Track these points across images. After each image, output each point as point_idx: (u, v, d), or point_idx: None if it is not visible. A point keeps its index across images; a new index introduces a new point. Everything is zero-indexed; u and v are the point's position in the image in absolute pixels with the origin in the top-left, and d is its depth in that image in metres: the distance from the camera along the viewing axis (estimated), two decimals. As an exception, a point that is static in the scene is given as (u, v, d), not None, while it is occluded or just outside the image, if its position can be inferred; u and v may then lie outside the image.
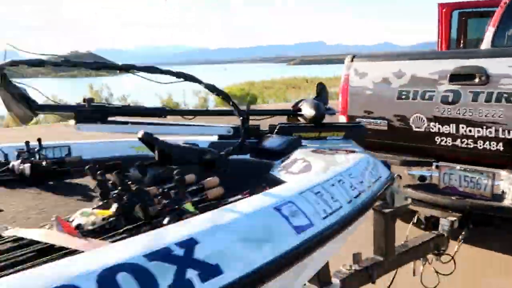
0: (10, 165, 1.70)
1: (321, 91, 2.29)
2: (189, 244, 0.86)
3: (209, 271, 0.83)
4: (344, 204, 1.23)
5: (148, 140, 1.62)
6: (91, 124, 2.04)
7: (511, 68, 2.60)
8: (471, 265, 3.06)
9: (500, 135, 2.65)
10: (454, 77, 2.81)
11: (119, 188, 1.22)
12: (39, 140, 1.87)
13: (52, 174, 1.69)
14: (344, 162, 1.50)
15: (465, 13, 5.96)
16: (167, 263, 0.80)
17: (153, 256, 0.80)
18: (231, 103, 1.92)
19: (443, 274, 2.57)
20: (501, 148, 2.66)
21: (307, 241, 1.03)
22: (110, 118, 2.08)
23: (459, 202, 2.80)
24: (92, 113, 2.05)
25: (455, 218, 2.67)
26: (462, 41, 5.99)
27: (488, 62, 2.69)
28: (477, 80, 2.72)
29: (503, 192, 2.67)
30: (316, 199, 1.17)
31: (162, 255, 0.81)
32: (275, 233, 0.98)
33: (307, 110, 2.02)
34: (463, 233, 2.73)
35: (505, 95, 2.61)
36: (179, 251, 0.83)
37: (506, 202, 2.66)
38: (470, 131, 2.76)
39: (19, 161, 1.70)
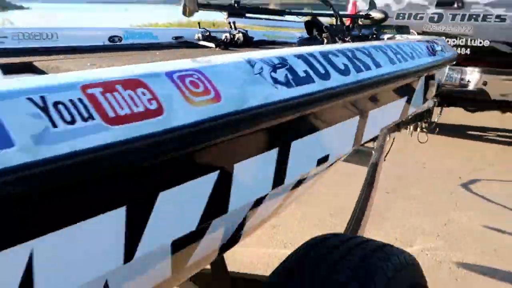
0: (223, 37, 2.66)
1: (372, 3, 3.43)
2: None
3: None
4: (426, 56, 2.38)
5: (313, 21, 2.67)
6: (238, 18, 3.01)
7: (479, -3, 3.93)
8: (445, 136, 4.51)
9: (468, 43, 4.00)
10: (439, 3, 4.09)
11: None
12: (234, 23, 2.84)
13: (251, 42, 2.69)
14: (421, 38, 2.64)
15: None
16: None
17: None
18: (331, 8, 3.01)
19: (431, 133, 3.93)
20: (468, 52, 4.02)
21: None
22: (248, 15, 3.07)
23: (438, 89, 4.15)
24: (239, 10, 3.01)
25: (436, 99, 4.02)
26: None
27: (464, -7, 3.99)
28: (455, 5, 4.02)
29: (468, 81, 4.05)
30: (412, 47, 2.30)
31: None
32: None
33: (377, 14, 3.15)
34: (440, 109, 4.09)
35: (473, 16, 3.94)
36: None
37: (469, 88, 4.05)
38: (448, 41, 4.07)
39: (227, 34, 2.67)
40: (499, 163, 4.21)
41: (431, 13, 4.14)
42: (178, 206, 0.78)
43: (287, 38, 3.23)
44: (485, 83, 3.98)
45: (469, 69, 4.05)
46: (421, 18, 4.17)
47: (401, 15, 4.27)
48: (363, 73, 1.24)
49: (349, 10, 4.55)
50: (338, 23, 3.00)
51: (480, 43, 3.94)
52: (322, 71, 1.06)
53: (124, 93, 0.65)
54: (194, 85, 0.74)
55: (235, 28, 2.88)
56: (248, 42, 2.80)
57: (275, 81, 0.90)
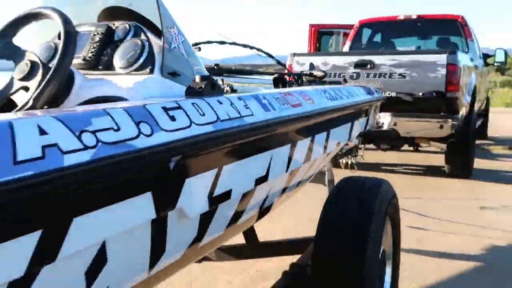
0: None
1: (312, 65, 4.50)
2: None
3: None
4: (361, 96, 3.44)
5: (280, 78, 3.64)
6: (218, 77, 3.91)
7: (386, 60, 5.19)
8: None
9: (380, 95, 5.21)
10: (356, 65, 5.31)
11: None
12: (222, 80, 3.72)
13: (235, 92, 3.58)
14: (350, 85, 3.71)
15: (322, 32, 8.79)
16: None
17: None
18: (285, 68, 4.03)
19: (358, 167, 4.99)
20: (381, 101, 5.22)
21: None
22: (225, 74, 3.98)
23: (360, 131, 5.29)
24: (218, 71, 3.92)
25: (360, 137, 5.14)
26: (318, 50, 8.78)
27: (374, 57, 5.25)
28: (368, 66, 5.25)
29: (382, 123, 5.23)
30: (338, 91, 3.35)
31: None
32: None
33: (318, 73, 4.21)
34: (362, 145, 5.21)
35: (382, 74, 5.19)
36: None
37: (383, 128, 5.23)
38: (365, 93, 5.27)
39: (218, 87, 3.56)
40: (410, 187, 5.38)
41: (351, 72, 5.34)
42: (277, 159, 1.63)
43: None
44: (395, 124, 5.18)
45: (382, 114, 5.23)
46: (344, 76, 5.35)
47: (328, 74, 5.42)
48: (349, 99, 2.20)
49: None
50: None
51: (389, 94, 5.16)
52: (335, 96, 2.00)
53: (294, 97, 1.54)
54: (301, 97, 1.64)
55: (223, 83, 3.78)
56: (234, 92, 3.71)
57: (327, 97, 1.82)
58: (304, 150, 1.69)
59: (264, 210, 1.77)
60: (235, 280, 2.85)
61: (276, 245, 2.43)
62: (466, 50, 6.46)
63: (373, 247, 1.60)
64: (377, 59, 5.25)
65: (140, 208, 0.91)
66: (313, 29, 8.42)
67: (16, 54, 1.25)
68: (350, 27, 7.73)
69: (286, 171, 1.58)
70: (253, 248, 2.44)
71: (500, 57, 7.57)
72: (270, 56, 3.94)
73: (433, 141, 5.52)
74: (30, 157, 0.67)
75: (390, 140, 5.52)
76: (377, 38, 7.47)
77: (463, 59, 5.40)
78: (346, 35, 7.84)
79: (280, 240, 2.49)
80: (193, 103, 1.09)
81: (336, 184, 1.89)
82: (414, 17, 6.98)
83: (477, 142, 7.11)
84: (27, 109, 1.11)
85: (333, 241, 1.63)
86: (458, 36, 6.84)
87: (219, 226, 1.34)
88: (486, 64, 7.80)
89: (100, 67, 1.38)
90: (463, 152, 5.45)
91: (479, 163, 6.26)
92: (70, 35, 1.17)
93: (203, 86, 1.22)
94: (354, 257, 1.58)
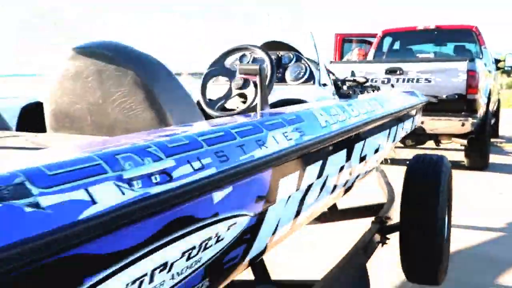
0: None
1: (353, 73, 5.27)
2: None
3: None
4: (416, 98, 4.19)
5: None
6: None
7: (412, 67, 5.96)
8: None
9: (409, 97, 5.98)
10: (387, 71, 6.07)
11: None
12: None
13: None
14: (401, 90, 4.47)
15: (345, 40, 9.56)
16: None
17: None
18: (334, 75, 4.80)
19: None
20: (409, 103, 5.98)
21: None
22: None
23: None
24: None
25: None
26: (341, 57, 9.54)
27: (403, 64, 6.02)
28: (398, 72, 6.02)
29: (411, 122, 5.99)
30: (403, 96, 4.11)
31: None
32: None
33: (361, 79, 4.97)
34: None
35: (410, 79, 5.96)
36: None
37: (412, 126, 5.98)
38: (395, 96, 6.03)
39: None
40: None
41: (382, 78, 6.10)
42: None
43: None
44: (422, 122, 5.93)
45: (410, 114, 6.01)
46: (376, 81, 6.11)
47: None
48: (412, 101, 2.98)
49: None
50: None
51: (416, 96, 5.94)
52: (404, 99, 2.78)
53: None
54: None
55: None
56: None
57: (402, 99, 2.61)
58: (393, 133, 2.47)
59: (350, 186, 2.53)
60: (317, 242, 3.63)
61: (352, 211, 3.20)
62: (481, 57, 7.21)
63: (443, 200, 2.37)
64: (405, 66, 6.02)
65: (341, 157, 1.68)
66: (338, 37, 9.20)
67: (230, 73, 2.02)
68: (372, 35, 8.50)
69: (385, 145, 2.36)
70: (334, 213, 3.20)
71: (510, 62, 8.32)
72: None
73: (454, 137, 6.27)
74: (321, 126, 1.44)
75: (417, 136, 6.28)
76: (396, 45, 8.24)
77: (480, 65, 6.16)
78: (370, 43, 8.60)
79: (354, 207, 3.25)
80: (355, 102, 1.87)
81: (413, 157, 2.67)
82: (432, 27, 7.74)
83: (491, 139, 7.86)
84: (250, 109, 1.89)
85: (416, 196, 2.40)
86: (472, 44, 7.60)
87: (352, 180, 2.11)
88: (497, 69, 8.55)
89: (276, 81, 2.15)
90: (481, 147, 6.20)
91: (493, 158, 7.00)
92: (272, 63, 1.94)
93: (350, 92, 1.99)
94: (432, 207, 2.34)
